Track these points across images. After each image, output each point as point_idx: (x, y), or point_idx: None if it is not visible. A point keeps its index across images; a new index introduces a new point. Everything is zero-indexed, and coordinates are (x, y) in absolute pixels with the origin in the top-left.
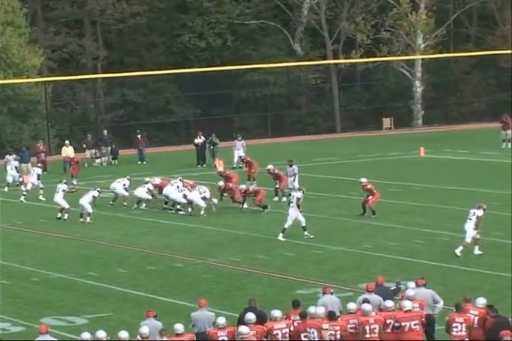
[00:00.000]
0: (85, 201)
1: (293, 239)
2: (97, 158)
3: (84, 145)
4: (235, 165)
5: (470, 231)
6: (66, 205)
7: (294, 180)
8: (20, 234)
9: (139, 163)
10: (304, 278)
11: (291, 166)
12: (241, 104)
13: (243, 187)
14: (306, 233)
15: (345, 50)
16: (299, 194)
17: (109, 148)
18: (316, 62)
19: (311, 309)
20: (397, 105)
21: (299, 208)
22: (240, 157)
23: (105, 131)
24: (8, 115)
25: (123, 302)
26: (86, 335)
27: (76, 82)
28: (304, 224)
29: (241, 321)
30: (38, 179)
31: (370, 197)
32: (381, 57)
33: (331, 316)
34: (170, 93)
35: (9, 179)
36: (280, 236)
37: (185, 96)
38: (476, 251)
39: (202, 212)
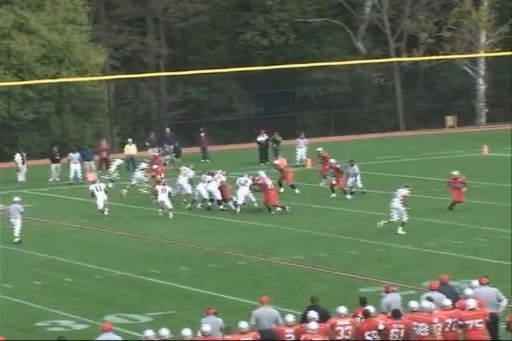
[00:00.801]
0: (164, 197)
1: (356, 237)
2: (160, 156)
3: (147, 144)
4: (297, 164)
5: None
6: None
7: (356, 180)
8: (83, 232)
9: (202, 160)
10: (367, 277)
11: (352, 166)
12: (303, 102)
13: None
14: (400, 229)
15: (408, 48)
16: (405, 191)
17: (172, 146)
18: (379, 60)
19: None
20: (460, 103)
21: (405, 206)
22: (318, 151)
23: (168, 129)
24: (72, 113)
25: (186, 300)
26: (149, 333)
27: (139, 80)
28: (404, 220)
29: (304, 319)
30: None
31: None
32: (444, 55)
33: (395, 314)
34: (233, 91)
35: (71, 176)
36: (400, 230)
37: (248, 94)
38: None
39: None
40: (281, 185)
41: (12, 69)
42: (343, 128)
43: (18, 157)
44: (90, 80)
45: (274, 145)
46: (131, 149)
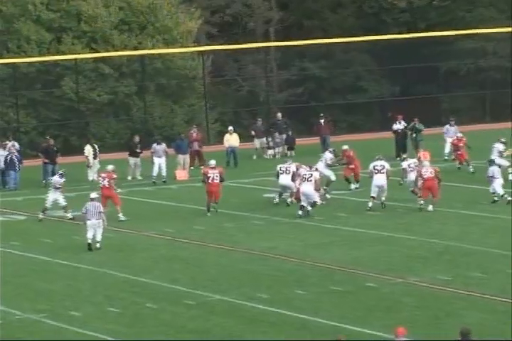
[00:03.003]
0: None
1: None
2: (269, 148)
3: (253, 133)
4: (446, 157)
5: None
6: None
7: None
8: (171, 244)
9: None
10: None
11: (491, 166)
12: (451, 80)
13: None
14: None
15: None
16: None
17: (284, 136)
18: None
19: None
20: None
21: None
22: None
23: (279, 115)
24: (157, 94)
25: (301, 331)
26: None
27: (242, 53)
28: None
29: None
30: None
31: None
32: None
33: None
34: (361, 66)
35: (154, 174)
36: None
37: (381, 71)
38: None
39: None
40: None
41: (83, 37)
42: (501, 113)
43: (88, 149)
44: (180, 52)
45: (414, 135)
46: (232, 140)
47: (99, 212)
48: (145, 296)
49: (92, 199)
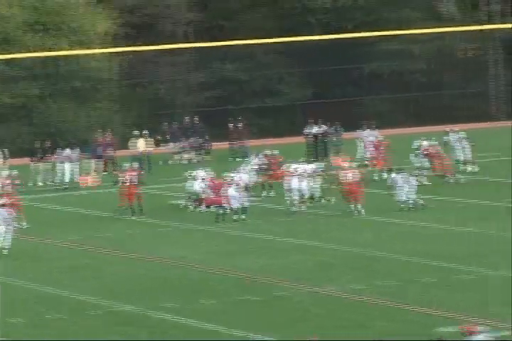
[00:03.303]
0: None
1: (435, 259)
2: (181, 152)
3: (168, 137)
4: (366, 162)
5: None
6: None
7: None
8: (77, 253)
9: (238, 159)
10: (447, 312)
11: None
12: (373, 83)
13: None
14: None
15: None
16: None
17: (200, 140)
18: (473, 27)
19: None
20: None
21: None
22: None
23: (195, 118)
24: (68, 97)
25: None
26: None
27: (157, 54)
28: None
29: None
30: None
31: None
32: None
33: None
34: (279, 68)
35: (66, 179)
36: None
37: (299, 73)
38: None
39: None
40: None
41: None
42: (425, 117)
43: None
44: (92, 54)
45: (334, 139)
46: (142, 144)
47: (4, 219)
48: (49, 306)
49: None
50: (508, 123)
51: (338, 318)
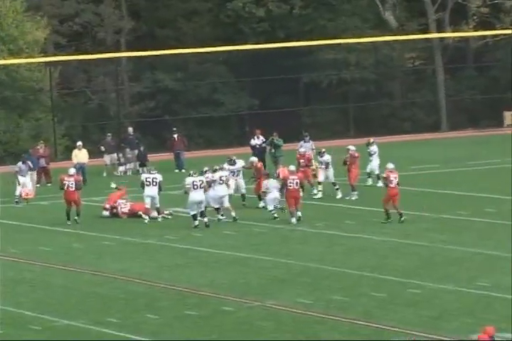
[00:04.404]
0: None
1: (381, 273)
2: (119, 164)
3: (103, 148)
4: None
5: None
6: None
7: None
8: (17, 266)
9: (176, 171)
10: (396, 327)
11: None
12: (313, 93)
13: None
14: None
15: (454, 20)
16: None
17: (136, 152)
18: (415, 36)
19: None
20: None
21: None
22: (349, 150)
23: (130, 129)
24: (3, 107)
25: None
26: None
27: (92, 64)
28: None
29: None
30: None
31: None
32: (502, 29)
33: None
34: (217, 78)
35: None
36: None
37: (238, 82)
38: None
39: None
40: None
41: None
42: (365, 127)
43: None
44: (26, 63)
45: (273, 151)
46: (80, 156)
47: None
48: None
49: None
50: (451, 134)
51: (286, 331)
